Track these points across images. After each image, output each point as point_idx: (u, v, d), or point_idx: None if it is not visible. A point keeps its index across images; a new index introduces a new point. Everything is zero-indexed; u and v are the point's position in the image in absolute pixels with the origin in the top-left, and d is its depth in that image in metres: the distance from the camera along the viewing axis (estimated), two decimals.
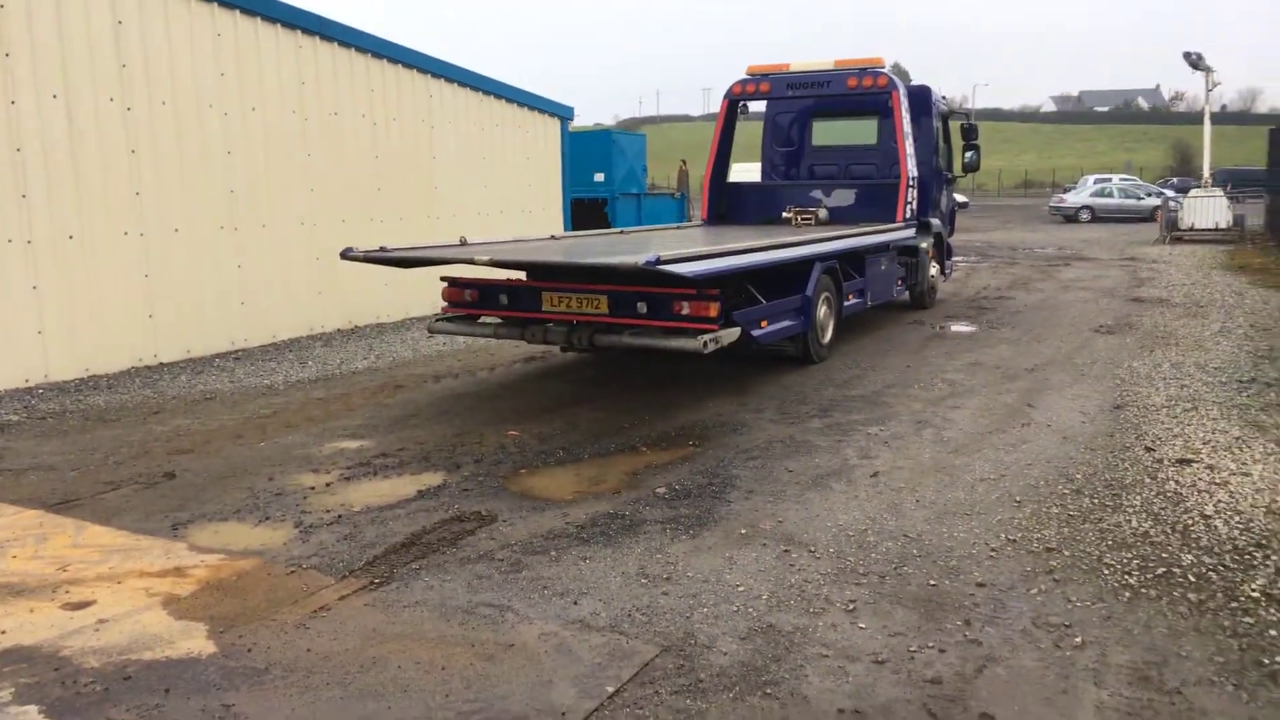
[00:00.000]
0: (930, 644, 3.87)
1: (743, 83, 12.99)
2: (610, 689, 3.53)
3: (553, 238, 10.92)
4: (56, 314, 9.03)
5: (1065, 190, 46.64)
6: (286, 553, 4.87)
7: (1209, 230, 25.62)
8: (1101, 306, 13.59)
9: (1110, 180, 42.99)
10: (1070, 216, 38.21)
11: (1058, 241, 26.94)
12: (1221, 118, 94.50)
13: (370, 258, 8.24)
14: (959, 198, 29.84)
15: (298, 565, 4.70)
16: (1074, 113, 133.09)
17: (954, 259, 15.82)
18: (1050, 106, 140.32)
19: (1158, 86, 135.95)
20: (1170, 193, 36.00)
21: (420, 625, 4.06)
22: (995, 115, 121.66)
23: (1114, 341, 10.68)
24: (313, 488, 5.91)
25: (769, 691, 3.53)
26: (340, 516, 5.38)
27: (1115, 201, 38.22)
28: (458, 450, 6.71)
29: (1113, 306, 13.57)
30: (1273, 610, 4.12)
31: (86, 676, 3.64)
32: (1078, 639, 3.90)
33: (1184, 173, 63.30)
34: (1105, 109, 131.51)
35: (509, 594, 4.36)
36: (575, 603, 4.26)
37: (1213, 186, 27.78)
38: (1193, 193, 27.41)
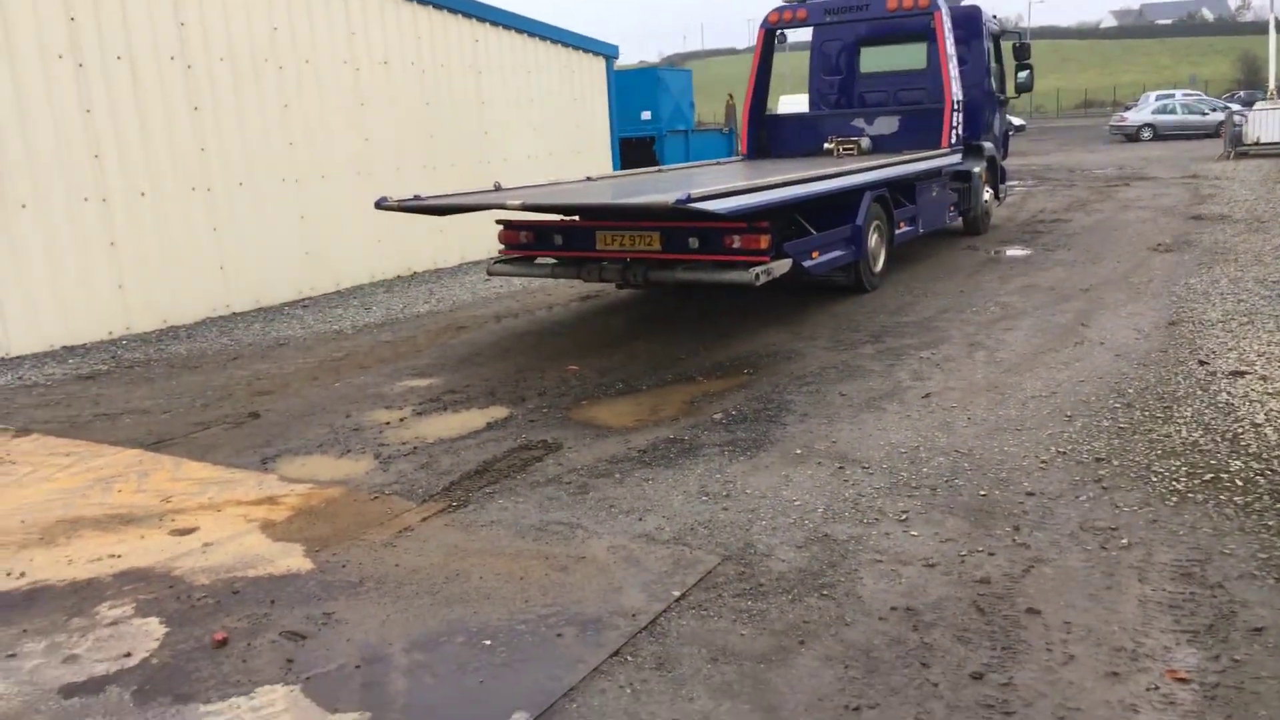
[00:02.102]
0: (980, 548, 4.07)
1: (779, 10, 12.78)
2: (676, 593, 3.79)
3: (588, 179, 10.92)
4: (134, 268, 9.44)
5: (1126, 108, 45.28)
6: (369, 481, 5.20)
7: (1276, 144, 24.84)
8: (1160, 225, 13.40)
9: (1173, 96, 41.64)
10: (1132, 135, 37.18)
11: (1118, 161, 26.32)
12: None
13: (404, 206, 8.29)
14: (1014, 120, 29.24)
15: (380, 492, 5.03)
16: (1135, 27, 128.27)
17: (1009, 183, 15.63)
18: (1110, 21, 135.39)
19: None
20: (1236, 106, 34.82)
21: (497, 542, 4.36)
22: (1052, 33, 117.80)
23: (1171, 260, 10.60)
24: (388, 423, 6.24)
25: (825, 593, 3.76)
26: (416, 448, 5.69)
27: (1178, 118, 37.06)
28: (521, 385, 6.99)
29: (1172, 225, 13.37)
30: None
31: (199, 592, 4.00)
32: (1124, 540, 4.07)
33: (1252, 85, 60.97)
34: (1168, 21, 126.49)
35: (578, 513, 4.64)
36: (640, 519, 4.53)
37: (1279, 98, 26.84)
38: (1258, 105, 26.54)
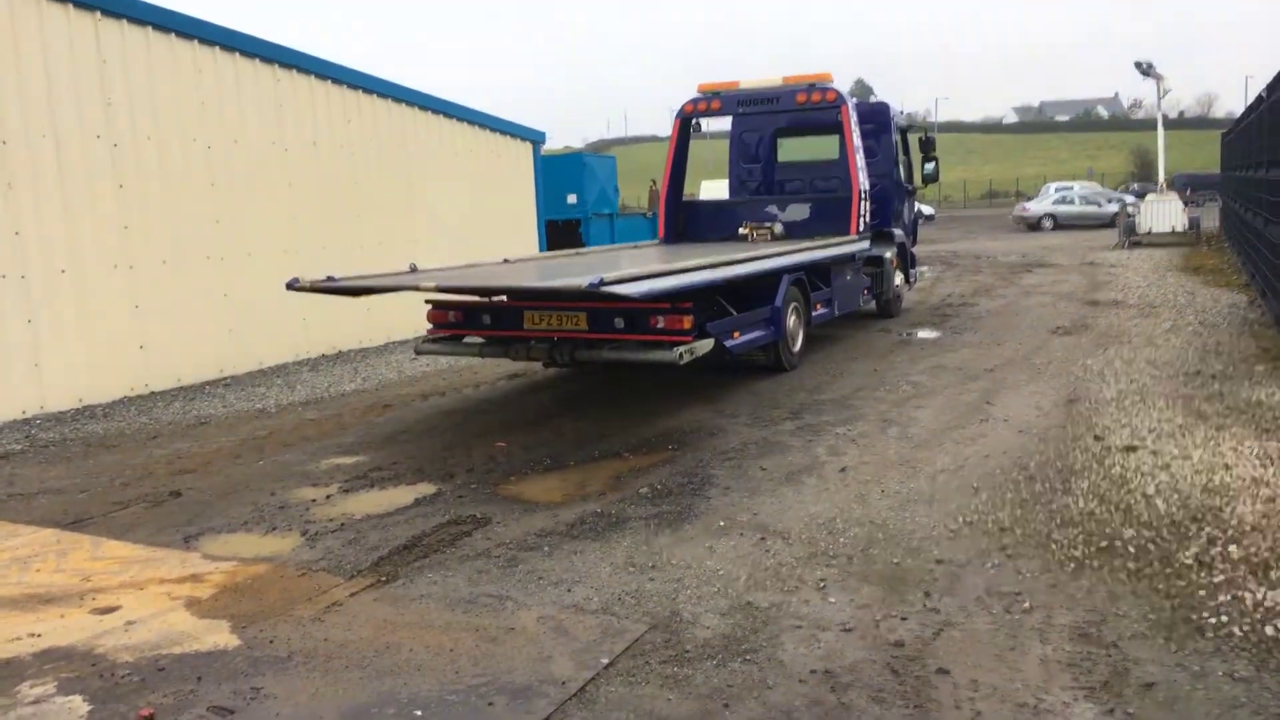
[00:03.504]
0: (893, 613, 4.27)
1: (694, 101, 13.26)
2: (605, 661, 3.89)
3: (505, 260, 10.96)
4: (50, 345, 9.30)
5: (1029, 199, 47.53)
6: (296, 558, 5.20)
7: (1166, 234, 26.35)
8: (1060, 310, 14.12)
9: (1072, 188, 43.86)
10: (1033, 225, 38.98)
11: (1020, 249, 27.60)
12: (1179, 123, 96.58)
13: (318, 287, 8.24)
14: (923, 209, 30.50)
15: (308, 568, 5.04)
16: (1035, 123, 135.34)
17: (919, 268, 16.34)
18: (1012, 117, 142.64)
19: (1116, 95, 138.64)
20: (1129, 198, 36.88)
21: (427, 615, 4.42)
22: (958, 128, 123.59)
23: (1070, 342, 11.18)
24: (314, 500, 6.24)
25: (748, 658, 3.90)
26: (343, 524, 5.71)
27: (1077, 209, 39.04)
28: (449, 461, 7.06)
29: (1070, 309, 14.10)
30: (1202, 574, 4.54)
31: (122, 669, 3.97)
32: (1026, 604, 4.31)
33: (1145, 178, 64.60)
34: (1066, 118, 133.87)
35: (507, 585, 4.72)
36: (569, 590, 4.63)
37: (1169, 191, 28.57)
38: (1149, 198, 28.15)
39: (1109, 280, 17.92)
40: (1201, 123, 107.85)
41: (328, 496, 6.31)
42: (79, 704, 3.70)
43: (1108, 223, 35.52)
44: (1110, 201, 38.83)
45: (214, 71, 10.98)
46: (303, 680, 3.83)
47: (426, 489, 6.39)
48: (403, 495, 6.28)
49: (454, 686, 3.74)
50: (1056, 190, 43.09)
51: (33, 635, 4.32)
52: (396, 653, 4.04)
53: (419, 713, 3.55)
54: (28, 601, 4.71)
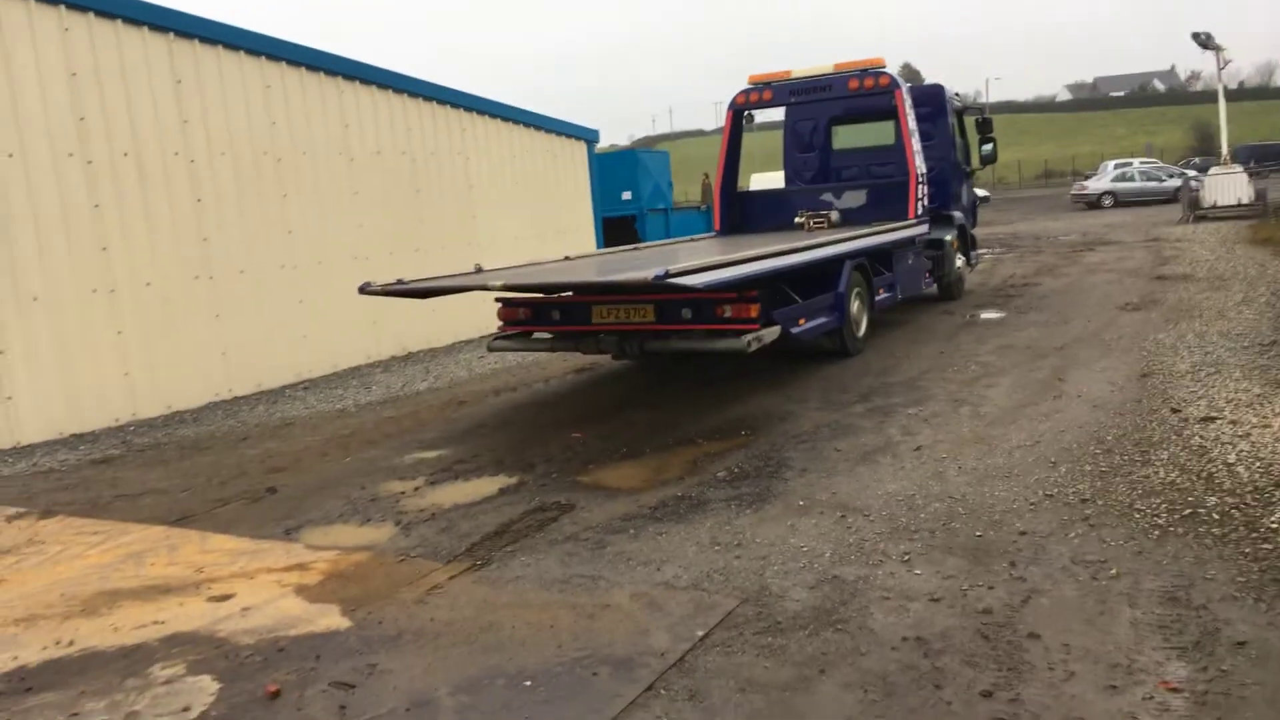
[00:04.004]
0: (980, 583, 4.35)
1: (745, 92, 13.33)
2: (700, 633, 4.04)
3: (566, 258, 11.19)
4: (140, 356, 9.69)
5: (1087, 177, 46.71)
6: (393, 546, 5.43)
7: (1231, 206, 25.79)
8: (1126, 286, 13.95)
9: (1131, 164, 43.05)
10: (1093, 203, 38.35)
11: (1081, 228, 27.20)
12: (1240, 94, 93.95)
13: (388, 290, 8.55)
14: (980, 192, 30.10)
15: (405, 555, 5.26)
16: (1090, 99, 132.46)
17: (979, 250, 16.22)
18: (1065, 96, 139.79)
19: (1173, 68, 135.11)
20: (1192, 172, 36.06)
21: (524, 595, 4.60)
22: (1010, 108, 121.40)
23: (1139, 317, 11.07)
24: (403, 492, 6.47)
25: (839, 628, 4.02)
26: (433, 514, 5.93)
27: (1137, 185, 38.32)
28: (528, 453, 7.26)
29: (1138, 285, 13.93)
30: None
31: (245, 651, 4.20)
32: (1113, 571, 4.37)
33: (1205, 151, 63.06)
34: (1121, 93, 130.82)
35: (598, 566, 4.89)
36: (658, 569, 4.78)
37: (1233, 163, 27.94)
38: (1212, 171, 27.59)
39: (1175, 255, 17.63)
40: (1263, 93, 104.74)
41: (416, 489, 6.54)
42: (208, 683, 3.94)
43: (1170, 198, 34.76)
44: (1171, 176, 38.02)
45: (281, 86, 11.33)
46: (414, 657, 4.03)
47: (509, 479, 6.59)
48: (487, 486, 6.48)
49: (558, 659, 3.91)
50: (1115, 167, 42.32)
51: (156, 623, 4.58)
52: (499, 630, 4.22)
53: (528, 683, 3.73)
54: (147, 592, 4.98)
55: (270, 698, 3.75)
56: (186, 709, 3.73)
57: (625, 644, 3.99)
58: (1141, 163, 44.17)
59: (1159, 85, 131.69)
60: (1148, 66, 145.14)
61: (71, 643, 4.42)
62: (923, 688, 3.52)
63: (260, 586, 4.95)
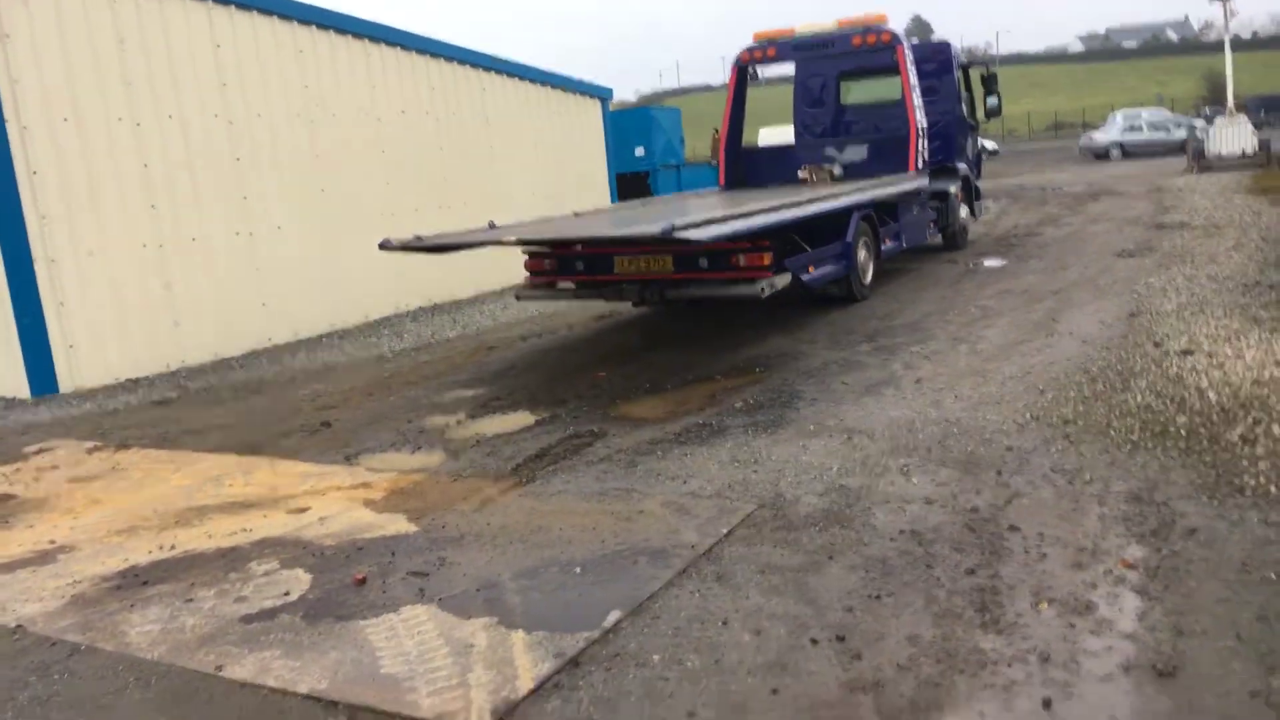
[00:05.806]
0: (969, 488, 4.96)
1: (750, 49, 13.69)
2: (724, 530, 4.65)
3: (575, 214, 11.47)
4: (187, 307, 10.30)
5: (1095, 129, 46.71)
6: (445, 468, 6.05)
7: (1235, 157, 26.09)
8: (1125, 234, 14.43)
9: (1139, 115, 43.04)
10: (1101, 154, 38.49)
11: (1087, 179, 27.50)
12: (1254, 44, 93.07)
13: (407, 246, 8.93)
14: (988, 144, 30.38)
15: (458, 474, 5.88)
16: (1102, 50, 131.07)
17: (983, 201, 16.67)
18: (1077, 46, 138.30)
19: (1186, 17, 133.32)
20: (1199, 123, 36.15)
21: (567, 504, 5.22)
22: (1021, 59, 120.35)
23: (1134, 263, 11.58)
24: (447, 424, 7.10)
25: (845, 525, 4.63)
26: (478, 441, 6.56)
27: (1145, 136, 38.40)
28: (557, 391, 7.86)
29: (1135, 234, 14.40)
30: (1245, 449, 5.14)
31: (328, 550, 4.84)
32: (1087, 477, 4.96)
33: (1217, 101, 62.67)
34: (1133, 44, 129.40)
35: (631, 480, 5.50)
36: (684, 483, 5.40)
37: (1239, 114, 28.14)
38: (1217, 121, 27.81)
39: (1175, 205, 18.04)
40: (1277, 42, 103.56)
41: (458, 421, 7.16)
42: (302, 575, 4.57)
43: (1178, 149, 34.88)
44: (1179, 127, 38.09)
45: (313, 51, 11.81)
46: (477, 552, 4.66)
47: (543, 413, 7.20)
48: (524, 418, 7.09)
49: (601, 552, 4.53)
50: (1123, 118, 42.31)
51: (244, 530, 5.22)
52: (548, 531, 4.85)
53: (578, 570, 4.36)
54: (231, 507, 5.62)
55: (358, 584, 4.39)
56: (287, 594, 4.37)
57: (659, 540, 4.61)
58: (1150, 113, 44.14)
59: (1172, 35, 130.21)
60: (1161, 16, 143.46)
61: (173, 547, 5.06)
62: (916, 568, 4.13)
63: (332, 501, 5.58)
